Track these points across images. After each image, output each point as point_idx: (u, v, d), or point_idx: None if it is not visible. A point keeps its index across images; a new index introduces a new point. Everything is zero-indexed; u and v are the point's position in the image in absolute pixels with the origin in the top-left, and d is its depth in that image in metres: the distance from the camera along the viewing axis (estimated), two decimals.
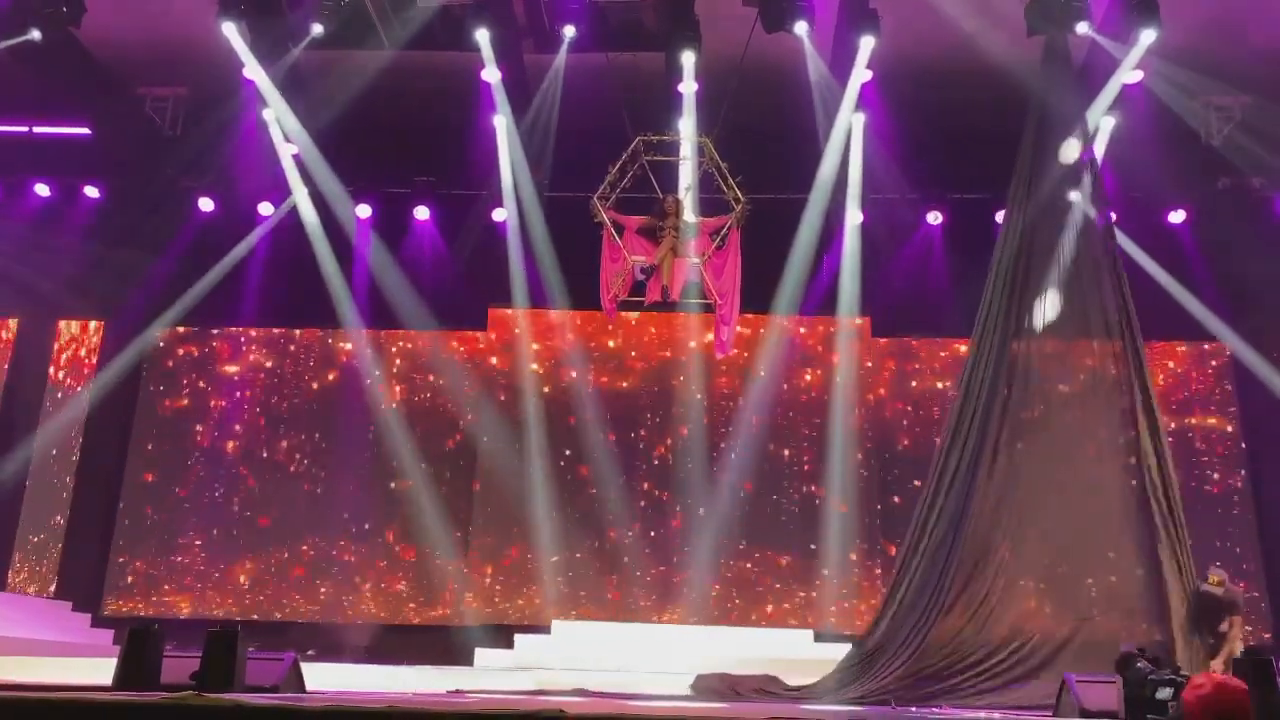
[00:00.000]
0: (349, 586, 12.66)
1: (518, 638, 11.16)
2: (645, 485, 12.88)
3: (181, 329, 13.47)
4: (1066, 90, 9.80)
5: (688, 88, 11.31)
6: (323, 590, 12.66)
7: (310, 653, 10.60)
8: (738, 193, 9.72)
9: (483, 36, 10.91)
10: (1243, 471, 12.56)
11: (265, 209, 13.18)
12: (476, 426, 12.99)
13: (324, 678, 7.79)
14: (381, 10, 10.94)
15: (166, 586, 12.74)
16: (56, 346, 13.66)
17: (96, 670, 7.36)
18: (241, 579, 12.75)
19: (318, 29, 10.81)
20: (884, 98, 11.61)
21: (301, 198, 12.87)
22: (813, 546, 12.48)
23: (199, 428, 13.30)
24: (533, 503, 12.53)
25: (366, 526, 12.82)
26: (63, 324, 13.76)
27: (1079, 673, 6.86)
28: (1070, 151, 9.58)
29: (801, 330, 13.26)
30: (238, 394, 13.39)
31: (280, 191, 12.93)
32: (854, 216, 12.53)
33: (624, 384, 13.27)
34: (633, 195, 10.13)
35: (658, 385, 13.24)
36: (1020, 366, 9.01)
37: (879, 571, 12.39)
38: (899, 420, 13.03)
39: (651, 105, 11.29)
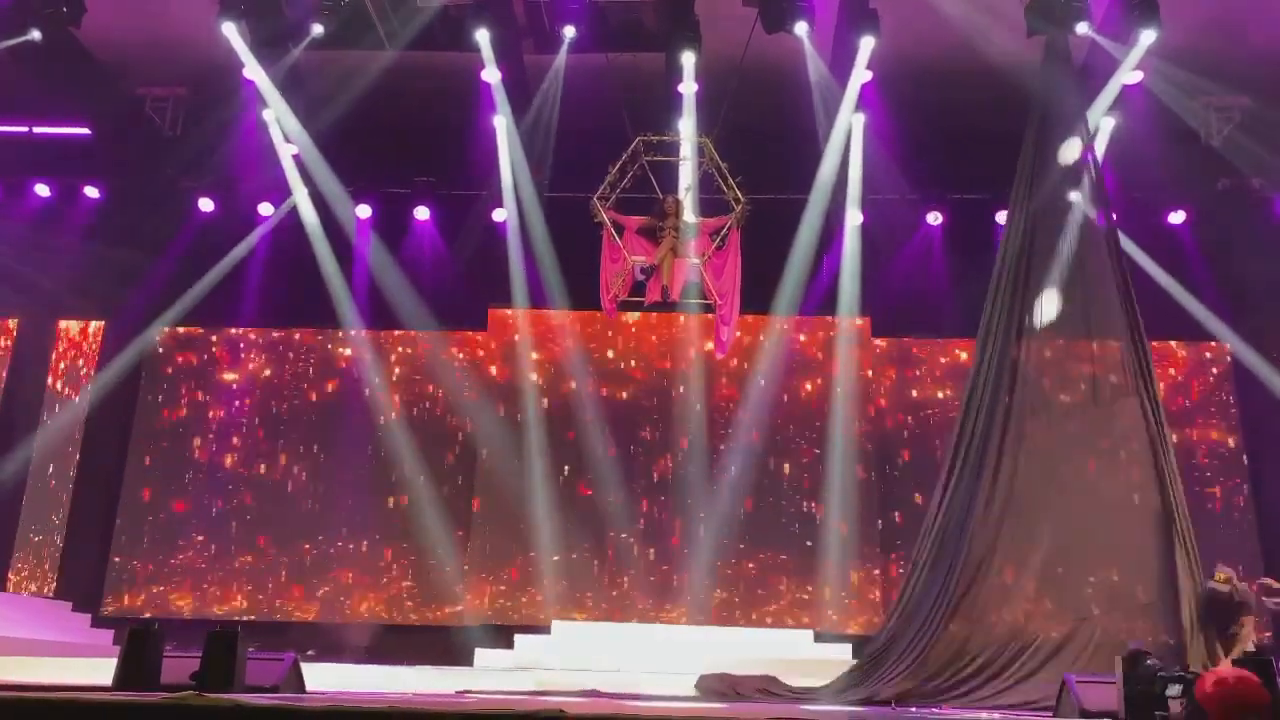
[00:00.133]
0: (349, 586, 12.66)
1: (518, 638, 11.15)
2: (645, 485, 12.87)
3: (181, 329, 13.47)
4: (1067, 91, 9.79)
5: (688, 88, 11.31)
6: (322, 590, 12.66)
7: (310, 653, 10.60)
8: (738, 193, 9.72)
9: (483, 37, 10.92)
10: (1243, 472, 12.54)
11: (265, 209, 13.18)
12: (477, 427, 12.97)
13: (324, 678, 7.79)
14: (381, 10, 10.95)
15: (167, 586, 12.73)
16: (56, 347, 13.65)
17: (96, 670, 7.36)
18: (241, 579, 12.74)
19: (318, 29, 10.82)
20: (884, 98, 11.61)
21: (301, 198, 12.87)
22: (809, 543, 12.46)
23: (199, 427, 13.28)
24: (533, 503, 12.52)
25: (367, 526, 12.80)
26: (63, 324, 13.75)
27: (1079, 673, 6.87)
28: (1071, 152, 9.57)
29: (802, 338, 13.21)
30: (237, 396, 13.37)
31: (280, 192, 12.93)
32: (854, 217, 12.53)
33: (625, 387, 13.25)
34: (633, 195, 10.15)
35: (658, 387, 13.22)
36: (1021, 373, 8.99)
37: (877, 572, 12.40)
38: (899, 432, 12.96)
39: (651, 105, 11.30)
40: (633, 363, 13.37)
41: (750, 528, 12.59)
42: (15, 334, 13.66)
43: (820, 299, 12.74)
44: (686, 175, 10.53)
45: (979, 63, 10.55)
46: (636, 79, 11.42)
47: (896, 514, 12.62)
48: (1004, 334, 9.13)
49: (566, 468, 12.83)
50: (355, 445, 13.04)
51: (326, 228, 12.90)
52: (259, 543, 12.83)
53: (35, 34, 10.65)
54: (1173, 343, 12.88)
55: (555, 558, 12.44)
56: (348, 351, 13.37)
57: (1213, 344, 12.87)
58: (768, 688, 8.50)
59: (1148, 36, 10.28)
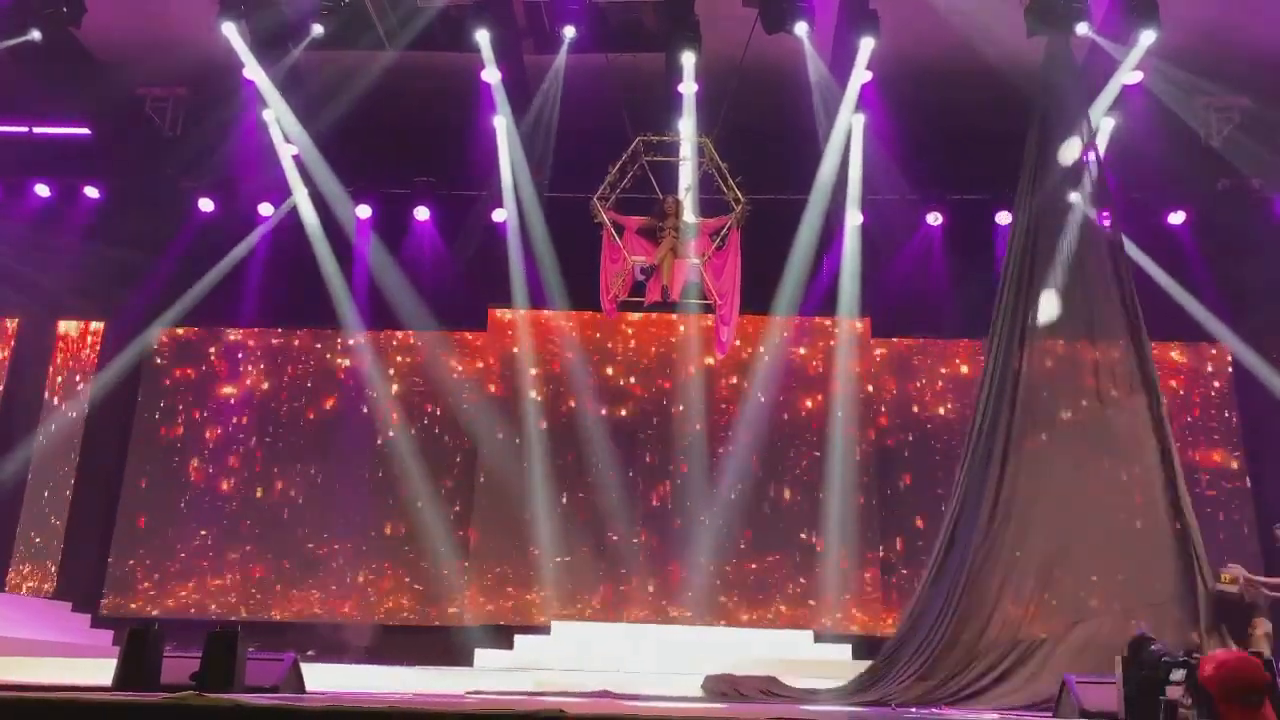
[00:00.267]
0: (349, 586, 12.65)
1: (517, 638, 11.16)
2: (645, 485, 12.87)
3: (181, 330, 13.47)
4: (1068, 91, 9.78)
5: (688, 88, 11.31)
6: (322, 590, 12.65)
7: (310, 653, 10.60)
8: (738, 193, 9.73)
9: (483, 37, 10.91)
10: (1243, 475, 12.53)
11: (265, 209, 13.17)
12: (477, 427, 12.97)
13: (324, 678, 7.79)
14: (381, 10, 10.95)
15: (167, 586, 12.73)
16: (56, 348, 13.65)
17: (96, 670, 7.36)
18: (242, 579, 12.74)
19: (318, 29, 10.80)
20: (884, 98, 11.61)
21: (301, 198, 12.87)
22: (813, 542, 12.46)
23: (199, 428, 13.27)
24: (533, 503, 12.52)
25: (367, 527, 12.80)
26: (62, 324, 13.75)
27: (1079, 673, 6.86)
28: (1071, 152, 9.57)
29: (802, 351, 13.17)
30: (237, 394, 13.37)
31: (280, 192, 12.92)
32: (854, 217, 12.53)
33: (625, 386, 13.25)
34: (633, 196, 10.15)
35: (657, 386, 13.22)
36: (1024, 383, 8.95)
37: (877, 571, 12.41)
38: (900, 451, 12.92)
39: (651, 106, 11.29)
40: (633, 363, 13.35)
41: (751, 523, 12.57)
42: (15, 334, 13.66)
43: (820, 299, 12.74)
44: (686, 175, 10.53)
45: (979, 63, 10.56)
46: (636, 79, 11.42)
47: (898, 539, 12.57)
48: (1007, 341, 9.11)
49: (568, 451, 12.82)
50: (356, 446, 13.03)
51: (326, 228, 12.89)
52: (259, 543, 12.81)
53: (35, 34, 10.63)
54: (1173, 352, 12.80)
55: (555, 558, 12.44)
56: (346, 363, 13.33)
57: (1213, 351, 12.84)
58: (770, 688, 8.49)
59: (1147, 37, 10.27)
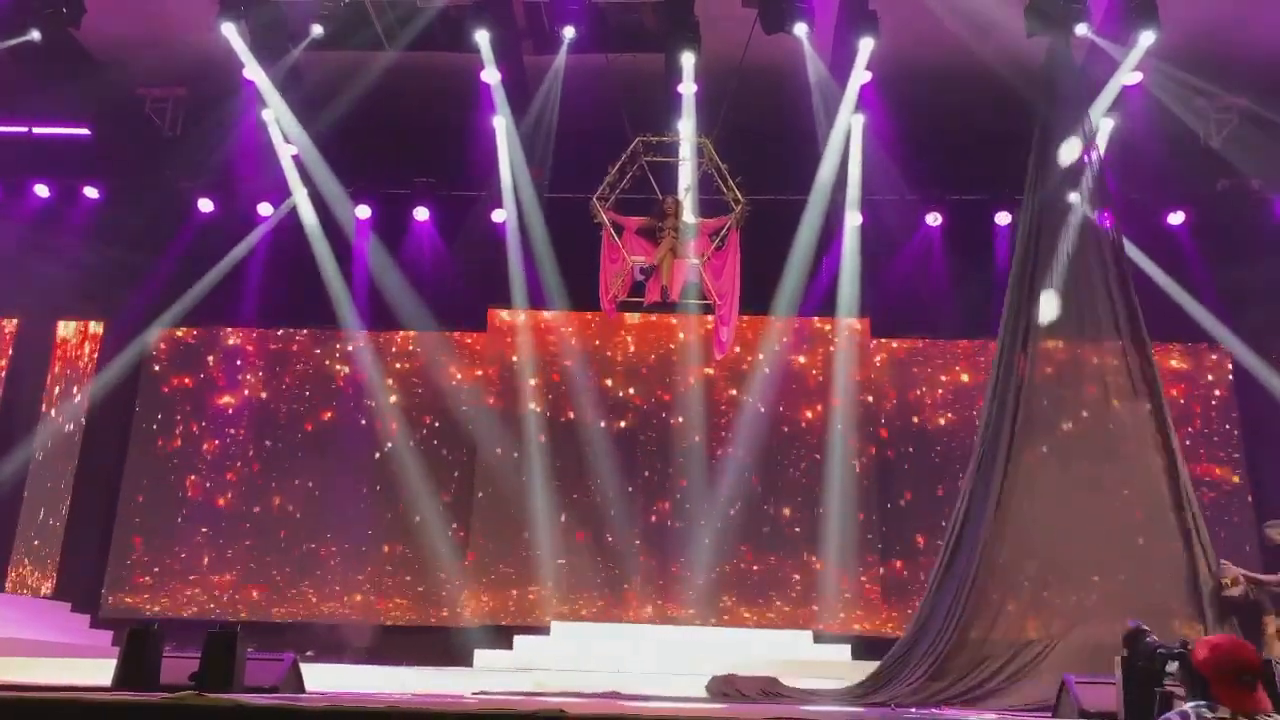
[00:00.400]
0: (348, 587, 12.65)
1: (517, 639, 11.16)
2: (645, 486, 12.87)
3: (181, 330, 13.47)
4: (1069, 92, 9.78)
5: (687, 89, 11.31)
6: (322, 590, 12.65)
7: (309, 653, 10.61)
8: (737, 194, 9.74)
9: (482, 37, 10.91)
10: (1243, 478, 12.53)
11: (265, 209, 13.17)
12: (477, 427, 12.97)
13: (323, 678, 7.78)
14: (381, 11, 10.95)
15: (166, 587, 12.72)
16: (56, 348, 13.65)
17: (96, 671, 7.35)
18: (241, 579, 12.73)
19: (317, 29, 10.81)
20: (883, 99, 11.61)
21: (301, 198, 12.86)
22: (815, 558, 12.47)
23: (200, 428, 13.28)
24: (532, 504, 12.52)
25: (366, 526, 12.80)
26: (62, 324, 13.75)
27: (1079, 674, 6.86)
28: (1071, 153, 9.57)
29: (801, 360, 13.13)
30: (237, 394, 13.37)
31: (280, 192, 12.92)
32: (853, 218, 12.54)
33: (626, 384, 13.25)
34: (632, 196, 10.16)
35: (658, 364, 13.22)
36: (1026, 389, 8.95)
37: (879, 572, 12.41)
38: (901, 465, 12.88)
39: (651, 106, 11.29)
40: (632, 370, 13.34)
41: (751, 524, 12.57)
42: (15, 334, 13.66)
43: (819, 300, 12.72)
44: (686, 176, 10.54)
45: (978, 64, 10.55)
46: (636, 80, 11.42)
47: (899, 562, 12.52)
48: (1010, 344, 9.10)
49: (568, 452, 12.81)
50: (355, 446, 13.03)
51: (326, 228, 12.88)
52: (259, 543, 12.81)
53: (35, 34, 10.62)
54: (1172, 360, 12.76)
55: (554, 559, 12.44)
56: (346, 370, 13.32)
57: (1213, 358, 12.82)
58: (771, 689, 8.49)
59: (1147, 38, 10.27)
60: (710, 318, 11.00)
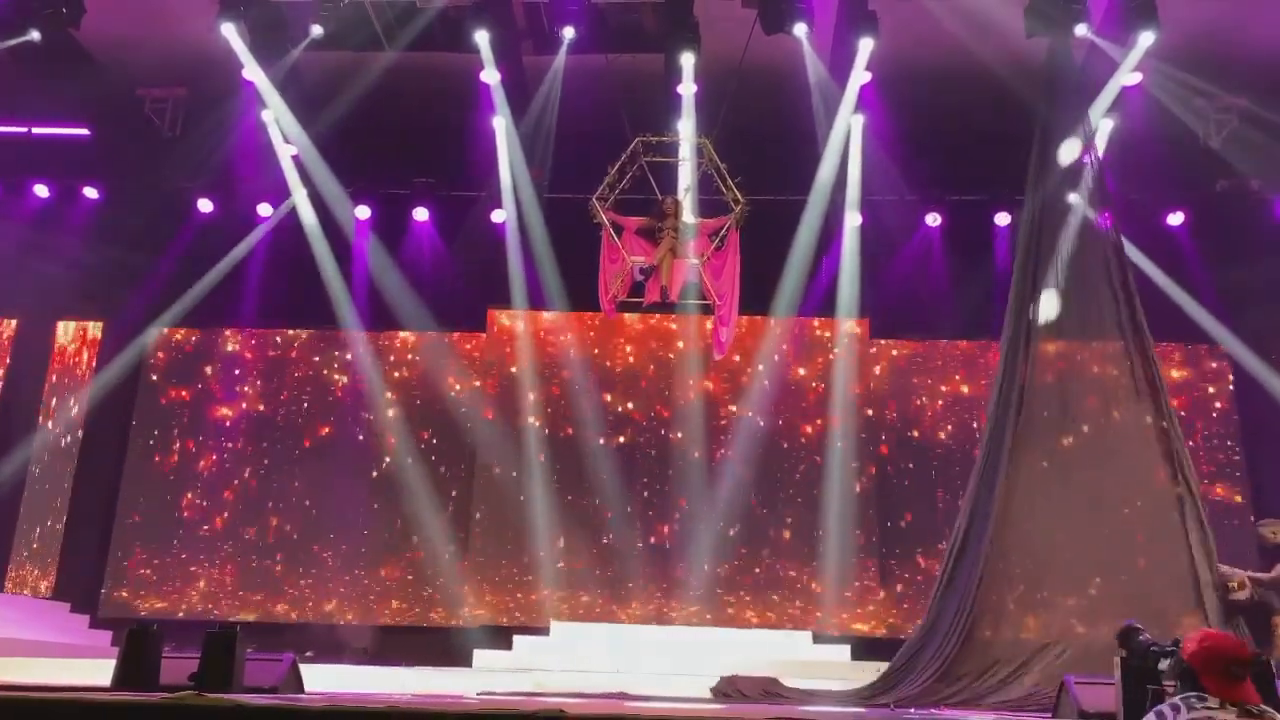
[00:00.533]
0: (348, 587, 12.65)
1: (516, 639, 11.14)
2: (645, 486, 12.86)
3: (180, 330, 13.46)
4: (1069, 92, 9.78)
5: (687, 89, 11.30)
6: (321, 590, 12.64)
7: (309, 654, 10.59)
8: (737, 194, 9.74)
9: (482, 38, 10.90)
10: (1243, 478, 12.53)
11: (264, 210, 13.17)
12: (477, 427, 12.97)
13: (323, 679, 7.78)
14: (380, 11, 10.95)
15: (166, 587, 12.73)
16: (55, 348, 13.64)
17: (96, 671, 7.34)
18: (240, 579, 12.73)
19: (317, 30, 10.81)
20: (883, 99, 11.60)
21: (301, 199, 12.86)
22: (817, 540, 12.46)
23: (200, 429, 13.27)
24: (532, 505, 12.52)
25: (366, 527, 12.80)
26: (61, 324, 13.75)
27: (1079, 674, 6.85)
28: (1071, 153, 9.57)
29: (801, 372, 13.09)
30: (237, 396, 13.36)
31: (279, 192, 12.91)
32: (853, 218, 12.54)
33: (625, 385, 13.25)
34: (632, 196, 10.16)
35: (658, 376, 13.20)
36: (1028, 393, 8.94)
37: (878, 569, 12.41)
38: (901, 481, 12.85)
39: (651, 106, 11.29)
40: (632, 376, 13.32)
41: (752, 524, 12.58)
42: (14, 335, 13.66)
43: (819, 300, 12.73)
44: (686, 176, 10.54)
45: (978, 64, 10.55)
46: (636, 80, 11.42)
47: (901, 579, 12.50)
48: (1012, 347, 9.09)
49: (568, 452, 12.81)
50: (355, 446, 13.04)
51: (326, 228, 12.88)
52: (258, 543, 12.81)
53: (35, 34, 10.63)
54: (1173, 371, 12.70)
55: (554, 560, 12.44)
56: (345, 379, 13.32)
57: (1213, 365, 12.81)
58: (773, 689, 8.48)
59: (1146, 38, 10.27)
60: (710, 318, 10.99)
